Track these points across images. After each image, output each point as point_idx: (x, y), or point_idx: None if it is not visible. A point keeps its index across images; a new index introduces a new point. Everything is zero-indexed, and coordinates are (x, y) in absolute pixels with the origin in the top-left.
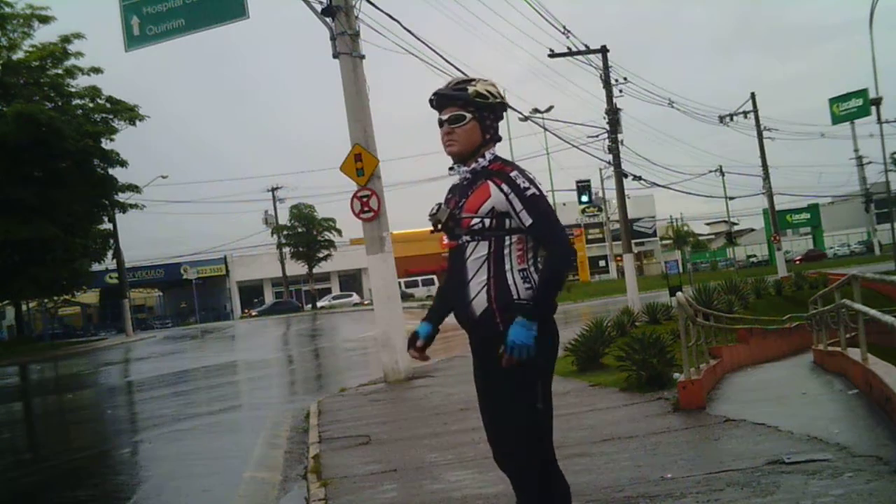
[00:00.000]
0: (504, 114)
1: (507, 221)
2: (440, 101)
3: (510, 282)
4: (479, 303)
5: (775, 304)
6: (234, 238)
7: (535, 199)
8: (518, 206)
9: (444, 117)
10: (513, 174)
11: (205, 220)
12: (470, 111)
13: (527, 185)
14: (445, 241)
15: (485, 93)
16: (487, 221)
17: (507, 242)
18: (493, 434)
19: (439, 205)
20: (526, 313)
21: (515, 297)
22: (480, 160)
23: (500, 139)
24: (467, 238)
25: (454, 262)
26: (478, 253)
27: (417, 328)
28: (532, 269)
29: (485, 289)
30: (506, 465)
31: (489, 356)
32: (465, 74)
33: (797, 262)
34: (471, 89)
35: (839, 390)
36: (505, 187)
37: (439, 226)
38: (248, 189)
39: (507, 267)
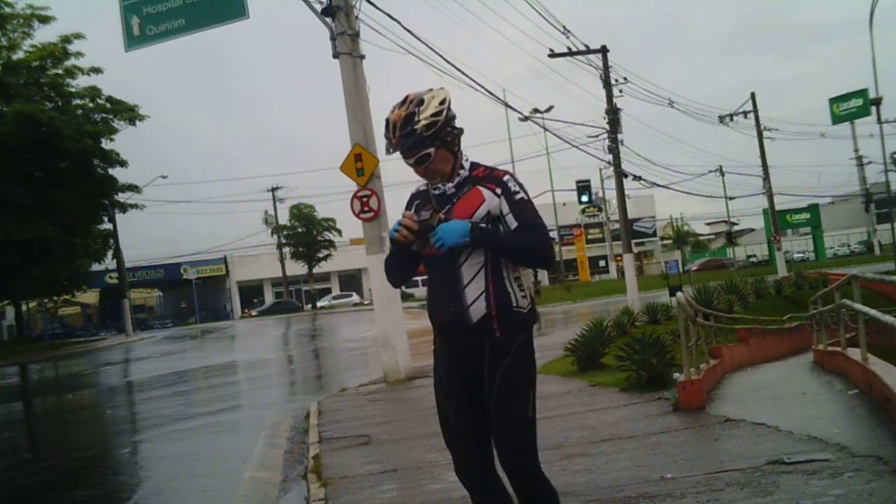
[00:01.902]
0: (453, 111)
1: (501, 227)
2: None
3: (508, 289)
4: (477, 309)
5: (775, 304)
6: (234, 238)
7: (524, 203)
8: (506, 208)
9: (411, 162)
10: (505, 178)
11: (205, 220)
12: (429, 145)
13: (517, 188)
14: (427, 248)
15: (431, 120)
16: (484, 226)
17: None
18: (472, 443)
19: (430, 211)
20: (475, 228)
21: (514, 304)
22: (462, 172)
23: (461, 132)
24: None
25: (439, 269)
26: (474, 259)
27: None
28: (523, 276)
29: (483, 295)
30: (468, 476)
31: (478, 364)
32: (464, 74)
33: (692, 272)
34: (418, 127)
35: (839, 390)
36: (498, 190)
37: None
38: (248, 189)
39: (505, 274)
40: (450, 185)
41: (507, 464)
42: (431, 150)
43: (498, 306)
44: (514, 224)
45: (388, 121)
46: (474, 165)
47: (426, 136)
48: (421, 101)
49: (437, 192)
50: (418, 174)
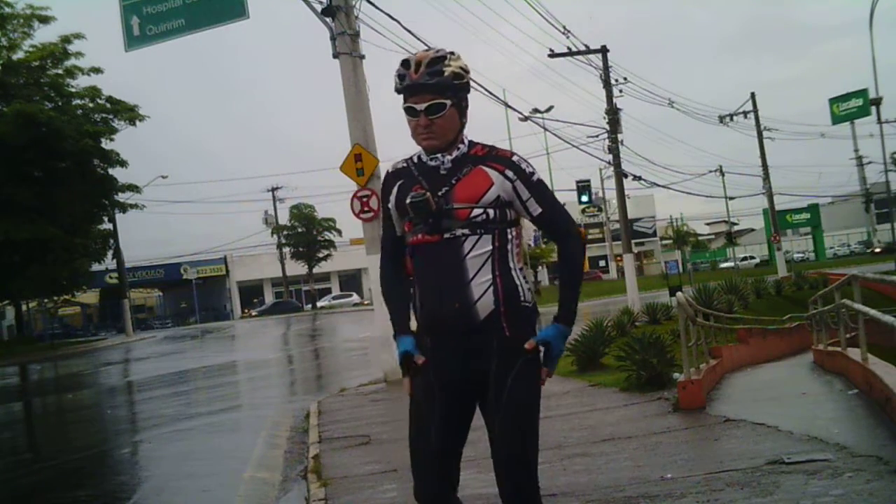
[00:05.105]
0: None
1: (508, 212)
2: (413, 87)
3: (516, 281)
4: (485, 305)
5: (775, 304)
6: (234, 238)
7: (542, 184)
8: (525, 193)
9: (421, 107)
10: (514, 158)
11: (205, 220)
12: (448, 97)
13: (532, 169)
14: (418, 235)
15: (460, 71)
16: (492, 212)
17: (510, 237)
18: (444, 465)
19: (424, 193)
20: (569, 321)
21: (522, 298)
22: (461, 146)
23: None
24: (465, 231)
25: (435, 260)
26: (480, 249)
27: (404, 348)
28: (526, 268)
29: (491, 289)
30: (430, 501)
31: (483, 364)
32: None
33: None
34: (447, 71)
35: (839, 390)
36: (510, 173)
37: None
38: (248, 189)
39: (511, 265)
40: (447, 157)
41: (507, 476)
42: (448, 101)
43: (507, 301)
44: (537, 210)
45: (407, 60)
46: (472, 144)
47: (451, 83)
48: (453, 54)
49: (432, 163)
50: (416, 130)
